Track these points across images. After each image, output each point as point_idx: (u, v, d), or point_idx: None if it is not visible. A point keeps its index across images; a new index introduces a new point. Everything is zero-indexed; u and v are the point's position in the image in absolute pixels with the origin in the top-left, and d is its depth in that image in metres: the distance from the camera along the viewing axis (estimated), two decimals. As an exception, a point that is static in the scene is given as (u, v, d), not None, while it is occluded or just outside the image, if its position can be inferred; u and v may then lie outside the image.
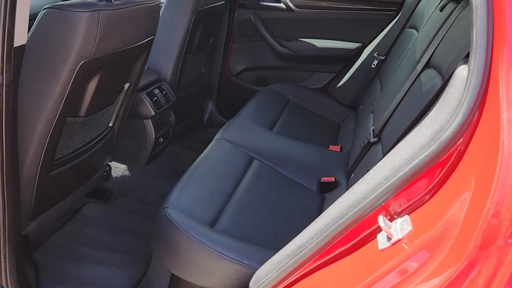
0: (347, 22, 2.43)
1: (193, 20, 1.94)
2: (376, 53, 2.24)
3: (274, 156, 1.70)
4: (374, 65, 2.23)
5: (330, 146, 1.95)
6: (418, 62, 1.41)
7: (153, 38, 1.49)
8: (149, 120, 1.82)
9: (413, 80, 1.36)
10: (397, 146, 0.83)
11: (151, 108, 1.79)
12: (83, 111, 1.35)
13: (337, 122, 2.28)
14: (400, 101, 1.39)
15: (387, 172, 0.80)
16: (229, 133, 1.77)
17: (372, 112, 1.78)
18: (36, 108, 1.15)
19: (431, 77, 1.23)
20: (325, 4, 2.43)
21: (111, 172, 1.89)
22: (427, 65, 1.33)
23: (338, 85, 2.45)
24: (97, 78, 1.29)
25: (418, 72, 1.35)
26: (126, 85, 1.54)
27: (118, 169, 2.01)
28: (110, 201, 1.84)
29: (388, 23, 2.36)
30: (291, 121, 2.12)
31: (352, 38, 2.45)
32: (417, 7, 2.10)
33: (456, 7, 1.37)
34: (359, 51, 2.44)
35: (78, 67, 1.14)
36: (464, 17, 1.21)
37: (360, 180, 0.86)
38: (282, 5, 2.45)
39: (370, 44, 2.40)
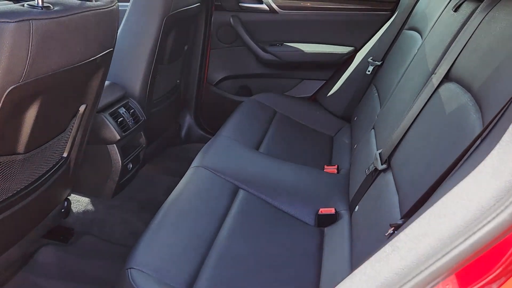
0: (337, 24, 2.19)
1: (163, 26, 1.67)
2: (371, 58, 2.01)
3: (263, 184, 1.45)
4: (369, 71, 2.00)
5: (326, 166, 1.70)
6: (433, 73, 1.17)
7: (111, 51, 1.22)
8: (114, 145, 1.55)
9: (429, 95, 1.13)
10: (441, 203, 0.59)
11: (115, 132, 1.52)
12: (21, 147, 1.07)
13: (330, 135, 2.05)
14: (414, 120, 1.16)
15: (432, 246, 0.56)
16: (208, 158, 1.51)
17: (374, 129, 1.55)
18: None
19: (455, 94, 1.00)
20: (312, 4, 2.19)
21: (70, 207, 1.60)
22: (446, 78, 1.10)
23: (329, 94, 2.21)
24: (36, 106, 1.02)
25: (435, 86, 1.11)
26: (82, 108, 1.27)
27: (80, 203, 1.73)
28: (71, 242, 1.56)
29: (382, 24, 2.13)
30: (279, 138, 1.87)
31: (343, 42, 2.21)
32: (416, 7, 1.88)
33: (477, 7, 1.14)
34: (351, 55, 2.20)
35: (4, 95, 0.87)
36: (498, 20, 0.98)
37: (386, 250, 0.62)
38: (264, 6, 2.20)
39: (363, 48, 2.16)
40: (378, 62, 1.96)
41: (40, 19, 0.87)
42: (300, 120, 2.09)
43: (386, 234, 0.88)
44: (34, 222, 1.36)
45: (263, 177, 1.49)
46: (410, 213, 0.85)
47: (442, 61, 1.14)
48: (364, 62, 2.08)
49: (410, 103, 1.26)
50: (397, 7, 2.10)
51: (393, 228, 0.86)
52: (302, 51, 2.21)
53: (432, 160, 0.96)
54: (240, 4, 2.21)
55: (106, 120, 1.51)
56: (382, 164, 1.21)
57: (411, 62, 1.49)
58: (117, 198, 1.70)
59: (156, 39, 1.67)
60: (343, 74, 2.18)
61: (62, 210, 1.53)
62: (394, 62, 1.79)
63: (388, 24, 2.06)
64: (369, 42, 2.15)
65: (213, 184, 1.40)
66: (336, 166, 1.70)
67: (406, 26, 1.87)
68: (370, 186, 1.27)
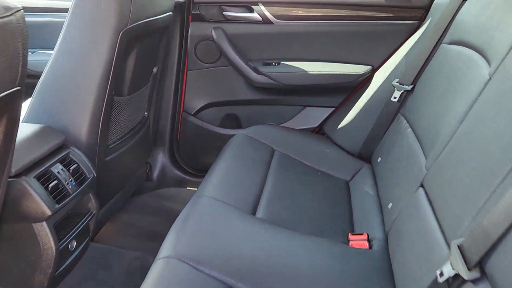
0: (348, 37, 1.72)
1: (119, 44, 1.17)
2: (397, 80, 1.54)
3: (266, 279, 0.97)
4: (395, 98, 1.53)
5: (351, 236, 1.22)
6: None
7: (17, 91, 0.73)
8: (44, 223, 1.03)
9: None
10: None
11: (43, 205, 1.00)
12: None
13: (345, 180, 1.58)
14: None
15: None
16: (185, 242, 1.01)
17: (423, 187, 1.08)
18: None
19: None
20: (316, 13, 1.71)
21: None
22: None
23: (340, 125, 1.73)
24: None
25: None
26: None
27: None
28: None
29: (408, 37, 1.68)
30: (281, 191, 1.39)
31: (357, 59, 1.74)
32: (459, 13, 1.42)
33: None
34: (368, 77, 1.74)
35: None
36: None
37: None
38: (255, 15, 1.72)
39: (384, 67, 1.70)
40: (408, 86, 1.49)
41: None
42: (305, 160, 1.61)
43: None
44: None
45: (266, 268, 1.00)
46: None
47: None
48: (386, 86, 1.62)
49: (501, 167, 0.79)
50: (427, 15, 1.65)
51: None
52: (305, 71, 1.73)
53: None
54: (224, 13, 1.73)
55: (28, 188, 0.99)
56: (469, 270, 0.74)
57: (478, 98, 1.02)
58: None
59: (109, 62, 1.17)
60: (357, 100, 1.71)
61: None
62: (434, 88, 1.32)
63: (417, 37, 1.60)
64: (390, 59, 1.69)
65: None
66: (365, 236, 1.22)
67: (446, 39, 1.42)
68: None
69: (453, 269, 0.76)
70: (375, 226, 1.26)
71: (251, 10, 1.72)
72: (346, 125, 1.72)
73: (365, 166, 1.62)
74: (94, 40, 1.16)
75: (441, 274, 0.79)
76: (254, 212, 1.25)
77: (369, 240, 1.20)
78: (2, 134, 0.79)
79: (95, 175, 1.22)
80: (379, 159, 1.53)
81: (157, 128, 1.85)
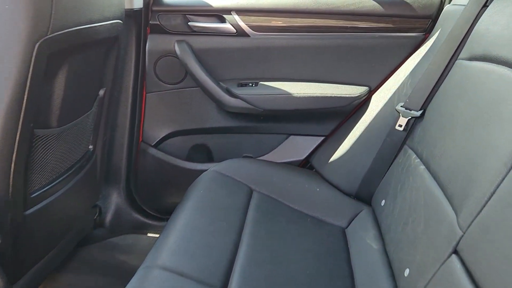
0: (341, 52, 1.43)
1: (36, 58, 0.85)
2: (401, 104, 1.25)
3: None
4: (400, 126, 1.23)
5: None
6: None
7: None
8: None
9: None
10: None
11: None
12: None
13: (341, 227, 1.27)
14: None
15: None
16: None
17: (457, 254, 0.77)
18: None
19: None
20: (302, 23, 1.42)
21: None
22: None
23: (332, 159, 1.43)
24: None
25: None
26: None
27: None
28: None
29: (411, 52, 1.40)
30: (260, 251, 1.07)
31: (351, 79, 1.45)
32: (478, 22, 1.15)
33: None
34: (365, 100, 1.45)
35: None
36: None
37: None
38: (228, 26, 1.42)
39: (383, 88, 1.41)
40: (416, 111, 1.20)
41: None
42: (290, 203, 1.30)
43: None
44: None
45: None
46: None
47: None
48: (387, 111, 1.33)
49: None
50: (434, 25, 1.37)
51: None
52: (289, 93, 1.42)
53: None
54: (190, 23, 1.42)
55: None
56: None
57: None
58: None
59: (20, 85, 0.84)
60: (353, 128, 1.41)
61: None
62: (455, 115, 1.03)
63: (423, 52, 1.32)
64: (391, 78, 1.40)
65: None
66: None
67: (463, 54, 1.14)
68: None
69: None
70: (380, 282, 0.95)
71: (223, 20, 1.42)
72: (340, 158, 1.41)
73: (364, 209, 1.31)
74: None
75: None
76: (228, 277, 0.93)
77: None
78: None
79: (4, 239, 0.87)
80: (383, 202, 1.22)
81: (110, 163, 1.51)
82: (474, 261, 0.72)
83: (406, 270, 0.93)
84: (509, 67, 0.88)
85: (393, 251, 1.04)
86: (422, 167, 1.07)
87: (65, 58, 0.97)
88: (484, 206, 0.75)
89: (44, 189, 1.06)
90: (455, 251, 0.78)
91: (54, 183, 1.10)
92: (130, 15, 1.35)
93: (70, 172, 1.18)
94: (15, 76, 0.83)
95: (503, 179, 0.73)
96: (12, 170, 0.90)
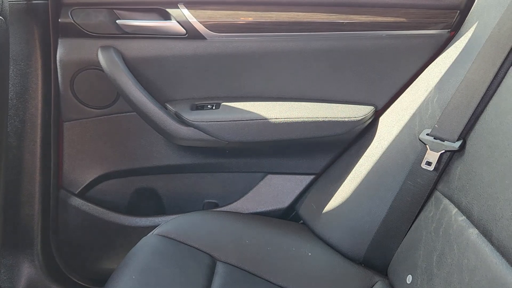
0: (336, 58, 1.04)
1: None
2: (427, 132, 0.86)
3: None
4: (429, 164, 0.84)
5: None
6: None
7: None
8: None
9: None
10: None
11: None
12: None
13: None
14: None
15: None
16: None
17: None
18: None
19: None
20: (280, 18, 1.02)
21: None
22: None
23: (327, 208, 1.02)
24: None
25: None
26: None
27: None
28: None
29: (433, 56, 1.02)
30: None
31: (351, 95, 1.06)
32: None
33: None
34: (371, 123, 1.06)
35: None
36: None
37: None
38: (175, 24, 1.01)
39: (395, 108, 1.03)
40: (452, 142, 0.81)
41: None
42: (271, 278, 0.91)
43: None
44: None
45: None
46: None
47: None
48: (405, 140, 0.94)
49: None
50: (464, 19, 1.00)
51: None
52: (264, 118, 1.02)
53: None
54: (119, 21, 1.01)
55: None
56: None
57: None
58: None
59: None
60: (354, 165, 1.01)
61: None
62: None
63: (453, 57, 0.94)
64: (406, 94, 1.02)
65: None
66: None
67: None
68: None
69: None
70: None
71: (166, 16, 1.01)
72: (338, 206, 1.01)
73: (378, 282, 0.92)
74: None
75: None
76: None
77: None
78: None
79: None
80: (409, 278, 0.83)
81: (15, 221, 1.08)
82: None
83: None
84: None
85: None
86: (474, 231, 0.68)
87: None
88: None
89: None
90: None
91: None
92: (29, 11, 0.94)
93: None
94: None
95: None
96: None
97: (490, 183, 0.68)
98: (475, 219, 0.69)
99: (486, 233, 0.65)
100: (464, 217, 0.72)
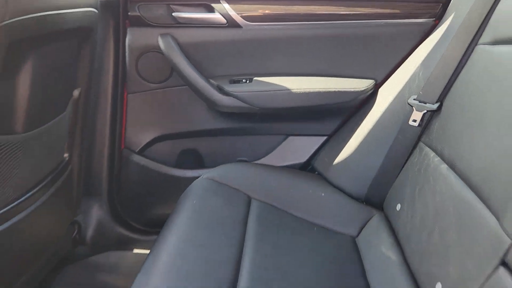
0: (344, 42, 1.30)
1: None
2: (414, 97, 1.12)
3: None
4: (415, 121, 1.11)
5: None
6: None
7: None
8: None
9: None
10: None
11: None
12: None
13: (351, 236, 1.15)
14: None
15: None
16: None
17: (505, 265, 0.65)
18: None
19: None
20: (300, 11, 1.28)
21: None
22: None
23: (337, 160, 1.29)
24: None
25: None
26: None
27: None
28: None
29: (420, 40, 1.28)
30: (265, 267, 0.94)
31: (356, 71, 1.32)
32: (501, 2, 1.03)
33: None
34: (371, 94, 1.32)
35: None
36: None
37: None
38: (218, 16, 1.27)
39: (391, 80, 1.29)
40: (432, 104, 1.07)
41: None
42: (294, 211, 1.17)
43: None
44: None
45: None
46: None
47: None
48: (398, 105, 1.20)
49: None
50: (445, 10, 1.25)
51: None
52: (287, 89, 1.29)
53: None
54: (174, 14, 1.28)
55: None
56: None
57: None
58: None
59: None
60: (359, 125, 1.28)
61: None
62: (483, 106, 0.90)
63: (435, 39, 1.20)
64: (400, 70, 1.28)
65: None
66: None
67: (484, 39, 1.02)
68: None
69: None
70: None
71: (211, 10, 1.27)
72: (345, 159, 1.28)
73: (375, 215, 1.19)
74: None
75: None
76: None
77: None
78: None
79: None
80: (398, 206, 1.09)
81: (89, 173, 1.36)
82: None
83: (437, 284, 0.80)
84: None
85: (418, 263, 0.91)
86: (444, 166, 0.94)
87: (29, 50, 0.82)
88: None
89: (9, 206, 0.90)
90: (503, 263, 0.66)
91: (22, 199, 0.94)
92: (107, 6, 1.21)
93: (41, 185, 1.02)
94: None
95: None
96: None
97: (459, 133, 0.93)
98: (446, 158, 0.95)
99: (453, 167, 0.91)
100: (438, 158, 0.99)
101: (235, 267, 0.90)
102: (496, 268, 0.66)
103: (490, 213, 0.73)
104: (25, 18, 0.76)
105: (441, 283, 0.79)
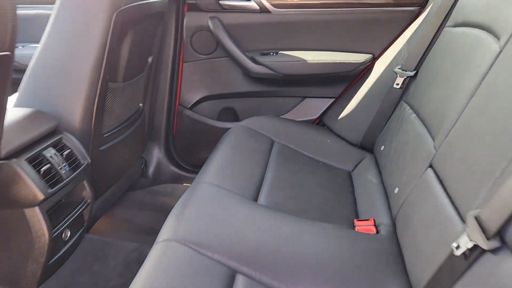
0: (348, 26, 1.69)
1: (113, 25, 1.13)
2: (399, 67, 1.51)
3: (273, 266, 0.91)
4: (397, 84, 1.49)
5: (356, 221, 1.18)
6: None
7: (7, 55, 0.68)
8: (36, 208, 0.98)
9: None
10: None
11: (35, 188, 0.95)
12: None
13: (347, 171, 1.53)
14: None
15: None
16: (185, 226, 0.96)
17: (432, 167, 1.04)
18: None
19: None
20: (315, 1, 1.68)
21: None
22: None
23: (341, 116, 1.69)
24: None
25: None
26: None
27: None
28: None
29: (408, 24, 1.65)
30: (282, 179, 1.34)
31: (357, 48, 1.71)
32: (463, -4, 1.39)
33: None
34: (369, 65, 1.71)
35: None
36: None
37: None
38: (253, 4, 1.68)
39: (385, 55, 1.67)
40: (411, 72, 1.46)
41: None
42: (305, 151, 1.56)
43: None
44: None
45: (271, 252, 0.95)
46: None
47: None
48: (387, 73, 1.58)
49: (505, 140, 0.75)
50: (427, 1, 1.62)
51: None
52: (304, 61, 1.69)
53: None
54: (221, 2, 1.69)
55: (19, 170, 0.94)
56: (489, 239, 0.69)
57: (488, 72, 0.98)
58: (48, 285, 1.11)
59: (103, 45, 1.12)
60: (358, 89, 1.67)
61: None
62: (439, 72, 1.28)
63: (419, 23, 1.57)
64: (391, 46, 1.66)
65: (196, 271, 0.85)
66: (372, 221, 1.17)
67: (449, 23, 1.38)
68: (464, 274, 0.74)
69: (470, 240, 0.72)
70: (381, 212, 1.22)
71: (248, -1, 1.68)
72: (347, 115, 1.68)
73: (367, 156, 1.58)
74: (87, 21, 1.11)
75: (458, 247, 0.75)
76: (256, 199, 1.20)
77: (375, 226, 1.15)
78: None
79: (89, 161, 1.16)
80: (382, 147, 1.49)
81: (152, 122, 1.80)
82: (444, 170, 0.98)
83: (395, 189, 1.20)
84: (481, 28, 1.14)
85: (388, 179, 1.31)
86: (413, 115, 1.33)
87: (130, 27, 1.25)
88: (451, 129, 1.01)
89: (111, 132, 1.35)
90: (430, 165, 1.04)
91: (118, 128, 1.39)
92: (171, -6, 1.63)
93: (127, 123, 1.47)
94: (99, 38, 1.11)
95: (464, 109, 1.00)
96: (94, 112, 1.18)
97: (423, 90, 1.31)
98: (415, 109, 1.34)
99: (418, 114, 1.29)
100: (411, 110, 1.37)
101: (259, 181, 1.31)
102: (426, 169, 1.05)
103: (430, 137, 1.12)
104: (131, 6, 1.19)
105: (398, 187, 1.19)
